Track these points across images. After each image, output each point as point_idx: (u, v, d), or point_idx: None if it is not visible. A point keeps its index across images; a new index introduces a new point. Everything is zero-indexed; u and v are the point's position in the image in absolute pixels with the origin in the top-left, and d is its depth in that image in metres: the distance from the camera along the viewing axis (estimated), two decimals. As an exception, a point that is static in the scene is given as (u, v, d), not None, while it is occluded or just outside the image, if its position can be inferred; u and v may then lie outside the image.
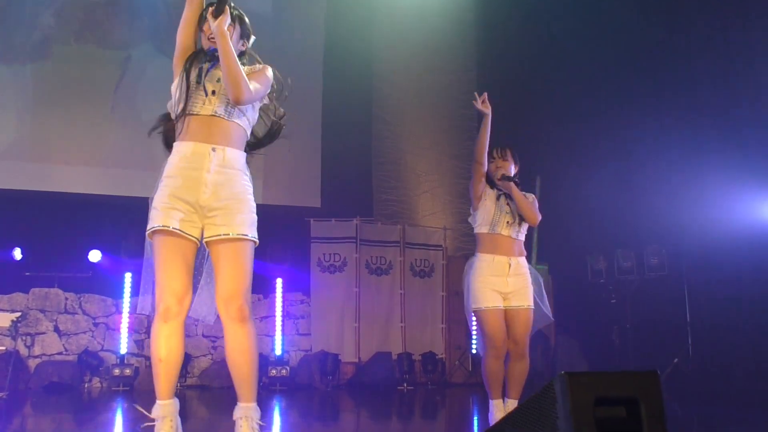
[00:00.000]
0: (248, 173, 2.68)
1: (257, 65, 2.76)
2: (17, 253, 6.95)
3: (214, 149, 2.57)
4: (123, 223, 6.98)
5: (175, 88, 2.64)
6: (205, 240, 2.59)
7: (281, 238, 7.50)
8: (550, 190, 8.64)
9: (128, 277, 7.19)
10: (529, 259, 8.55)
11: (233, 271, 2.54)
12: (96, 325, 7.32)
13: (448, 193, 9.28)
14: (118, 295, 7.29)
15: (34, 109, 7.78)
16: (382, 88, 9.36)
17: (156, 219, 2.52)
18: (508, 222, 3.90)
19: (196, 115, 2.59)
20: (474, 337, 7.86)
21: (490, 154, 3.95)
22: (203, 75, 2.60)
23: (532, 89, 8.73)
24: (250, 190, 2.66)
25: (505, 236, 3.90)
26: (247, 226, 2.59)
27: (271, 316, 7.66)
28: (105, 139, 7.82)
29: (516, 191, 3.86)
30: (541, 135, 8.31)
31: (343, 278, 7.86)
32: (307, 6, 9.12)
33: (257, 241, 2.62)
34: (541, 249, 8.58)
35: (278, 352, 7.45)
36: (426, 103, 9.41)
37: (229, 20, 2.56)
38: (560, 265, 8.31)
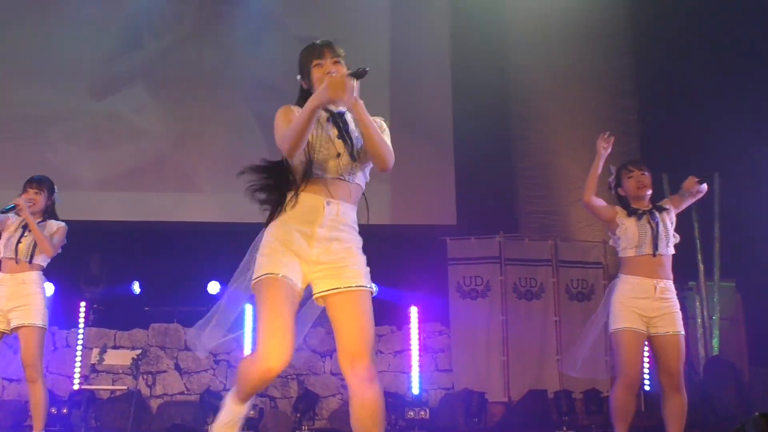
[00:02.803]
0: (357, 228, 2.84)
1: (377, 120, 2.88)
2: (136, 287, 7.51)
3: (328, 203, 2.72)
4: (242, 251, 7.35)
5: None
6: (316, 295, 2.75)
7: (414, 261, 7.62)
8: (733, 191, 8.22)
9: (249, 309, 7.53)
10: (710, 274, 8.25)
11: (357, 327, 2.67)
12: (217, 362, 7.73)
13: (607, 200, 8.98)
14: (237, 329, 7.61)
15: (147, 138, 8.43)
16: (520, 81, 9.28)
17: (263, 267, 2.69)
18: (654, 241, 4.13)
19: (319, 177, 2.76)
20: (647, 370, 7.56)
21: (625, 167, 4.32)
22: (342, 134, 2.78)
23: (703, 73, 8.35)
24: (360, 245, 2.82)
25: (652, 257, 4.13)
26: (363, 276, 2.73)
27: (406, 350, 7.74)
28: (220, 164, 8.32)
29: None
30: (719, 126, 7.93)
31: (486, 304, 7.83)
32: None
33: (374, 290, 2.78)
34: (726, 262, 8.17)
35: (416, 391, 7.52)
36: (574, 95, 9.20)
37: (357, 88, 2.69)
38: (752, 282, 7.90)
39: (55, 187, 5.05)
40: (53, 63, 8.50)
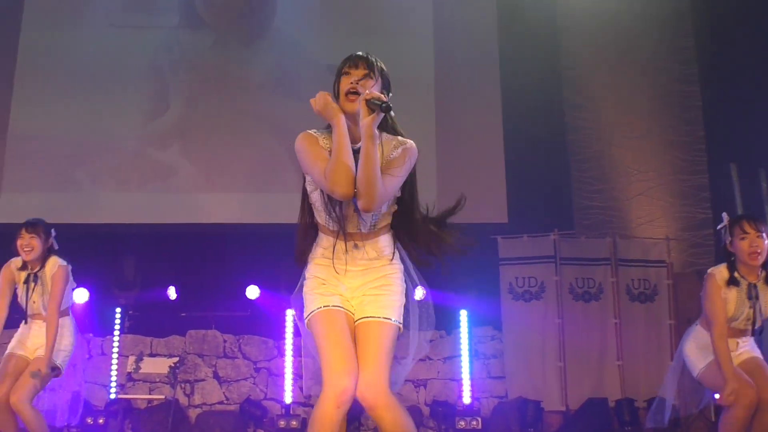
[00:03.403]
0: (394, 252, 2.97)
1: (397, 143, 2.89)
2: (172, 293, 7.54)
3: (356, 246, 2.87)
4: (282, 253, 7.31)
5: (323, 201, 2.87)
6: (355, 323, 2.87)
7: (463, 262, 7.48)
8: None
9: (290, 315, 7.52)
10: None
11: (364, 354, 2.77)
12: (257, 370, 7.73)
13: (669, 194, 8.84)
14: (279, 335, 7.63)
15: (182, 136, 8.46)
16: (573, 67, 9.15)
17: (313, 303, 2.82)
18: (748, 319, 4.06)
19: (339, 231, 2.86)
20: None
21: (739, 224, 3.99)
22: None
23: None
24: (396, 272, 2.95)
25: (741, 329, 4.11)
26: (391, 309, 2.85)
27: (456, 356, 7.66)
28: (256, 165, 8.32)
29: None
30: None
31: (541, 306, 7.71)
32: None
33: (401, 326, 2.90)
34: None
35: (467, 399, 7.43)
36: (631, 81, 9.05)
37: (380, 119, 2.73)
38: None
39: (52, 230, 4.96)
40: (79, 102, 8.54)
